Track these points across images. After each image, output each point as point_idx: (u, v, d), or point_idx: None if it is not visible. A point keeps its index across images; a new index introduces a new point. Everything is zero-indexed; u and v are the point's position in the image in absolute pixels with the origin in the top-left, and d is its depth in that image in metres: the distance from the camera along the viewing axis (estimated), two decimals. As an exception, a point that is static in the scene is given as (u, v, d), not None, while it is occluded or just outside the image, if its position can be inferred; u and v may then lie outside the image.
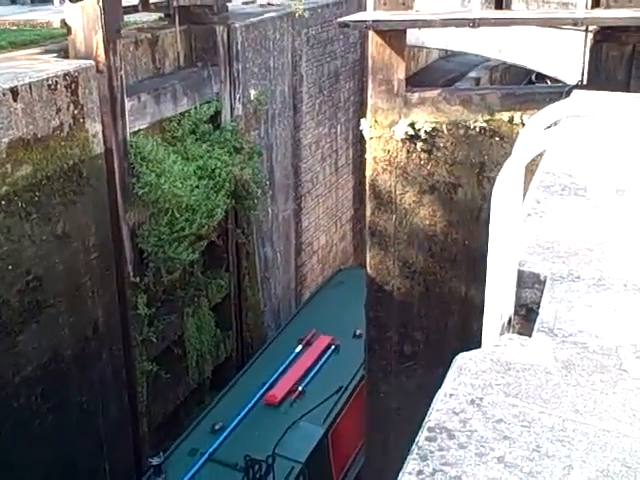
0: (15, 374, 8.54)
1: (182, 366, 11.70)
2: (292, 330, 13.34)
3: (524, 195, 3.77)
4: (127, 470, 10.72)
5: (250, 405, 11.18)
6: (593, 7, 8.36)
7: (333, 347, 12.56)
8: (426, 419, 2.27)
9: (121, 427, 10.46)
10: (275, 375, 11.80)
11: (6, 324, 8.33)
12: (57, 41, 10.46)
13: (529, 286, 3.21)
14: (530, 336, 2.77)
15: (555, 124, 4.78)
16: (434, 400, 2.38)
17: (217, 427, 10.73)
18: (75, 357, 9.38)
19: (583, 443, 2.15)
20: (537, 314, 2.94)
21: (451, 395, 2.38)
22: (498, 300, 3.05)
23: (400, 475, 2.05)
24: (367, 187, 9.40)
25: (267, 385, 11.60)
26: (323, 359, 12.27)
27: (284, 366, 12.05)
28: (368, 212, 9.48)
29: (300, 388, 11.55)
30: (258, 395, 11.40)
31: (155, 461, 9.83)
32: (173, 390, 11.58)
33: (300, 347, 12.63)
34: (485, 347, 2.76)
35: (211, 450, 10.26)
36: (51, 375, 9.02)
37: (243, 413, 11.02)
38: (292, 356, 12.32)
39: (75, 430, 9.53)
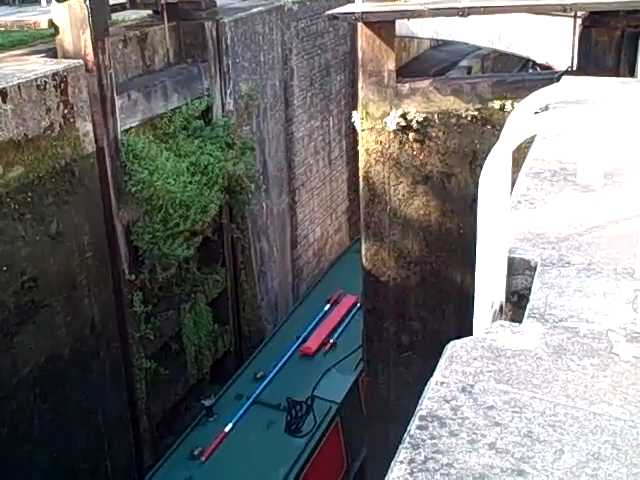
0: (13, 375, 8.54)
1: (180, 362, 11.70)
2: (319, 292, 14.58)
3: (513, 182, 3.77)
4: (128, 468, 10.74)
5: (287, 356, 12.44)
6: (581, -8, 8.34)
7: (359, 305, 13.31)
8: (418, 408, 2.28)
9: (121, 425, 10.47)
10: (308, 329, 13.06)
11: (2, 325, 8.33)
12: (45, 41, 10.43)
13: (520, 272, 3.22)
14: (521, 322, 2.78)
15: (544, 110, 4.78)
16: (425, 388, 2.39)
17: (259, 375, 11.95)
18: (73, 356, 9.38)
19: (574, 427, 2.16)
20: (528, 300, 2.94)
21: (442, 383, 2.38)
22: (489, 287, 3.05)
23: (392, 464, 2.06)
24: (360, 179, 9.40)
25: (301, 338, 12.85)
26: (350, 315, 13.37)
27: (316, 321, 13.32)
28: (362, 204, 9.48)
29: (332, 340, 12.78)
30: (294, 347, 12.66)
31: (207, 403, 11.09)
32: (172, 386, 11.58)
33: (329, 305, 13.82)
34: (476, 334, 2.76)
35: (255, 394, 11.49)
36: (49, 375, 9.02)
37: (282, 363, 12.27)
38: (322, 313, 13.56)
39: (75, 429, 9.54)
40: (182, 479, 9.99)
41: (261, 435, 10.77)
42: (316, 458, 10.70)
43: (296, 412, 11.03)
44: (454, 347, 2.59)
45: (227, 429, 10.74)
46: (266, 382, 11.80)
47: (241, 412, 11.11)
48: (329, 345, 12.70)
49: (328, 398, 11.42)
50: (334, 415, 11.29)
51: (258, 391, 11.58)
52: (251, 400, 11.39)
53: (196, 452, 10.30)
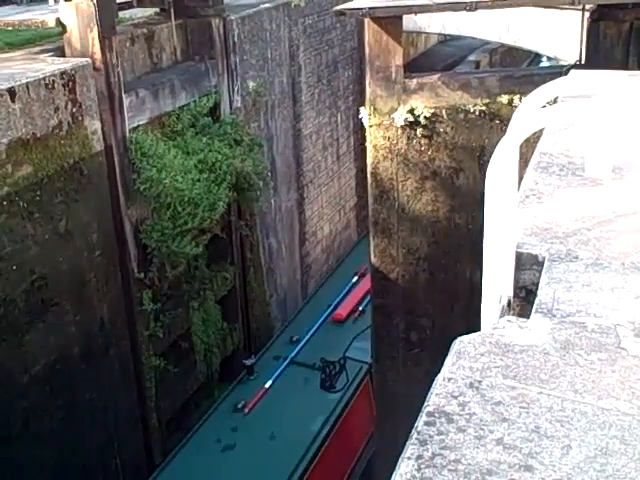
0: (23, 373, 8.57)
1: (190, 360, 11.73)
2: (346, 266, 15.89)
3: (521, 176, 3.75)
4: (138, 465, 10.76)
5: (320, 322, 13.64)
6: (589, -15, 8.31)
7: None
8: (425, 404, 2.27)
9: (131, 423, 10.50)
10: (338, 299, 14.27)
11: (13, 324, 8.35)
12: (53, 40, 10.45)
13: (527, 268, 3.21)
14: (529, 317, 2.76)
15: (552, 103, 4.75)
16: (433, 384, 2.37)
17: (294, 339, 13.19)
18: (83, 354, 9.41)
19: (582, 422, 2.15)
20: (536, 295, 2.93)
21: (450, 379, 2.37)
22: (496, 283, 3.04)
23: (400, 460, 2.05)
24: (368, 175, 9.38)
25: (332, 307, 14.06)
26: None
27: (345, 292, 14.52)
28: (370, 200, 9.46)
29: (360, 308, 13.88)
30: (326, 314, 13.89)
31: (249, 362, 12.24)
32: (181, 384, 11.60)
33: (356, 278, 15.02)
34: (484, 330, 2.75)
35: (292, 355, 12.65)
36: (59, 373, 9.04)
37: (315, 328, 13.47)
38: (350, 284, 14.74)
39: (85, 427, 9.57)
40: (227, 429, 11.02)
41: (298, 391, 11.91)
42: (350, 411, 11.70)
43: (330, 371, 12.10)
44: (462, 343, 2.57)
45: (267, 385, 11.89)
46: (301, 345, 12.96)
47: (279, 371, 12.25)
48: (358, 313, 13.76)
49: (359, 359, 12.29)
50: (365, 374, 12.22)
51: (294, 353, 12.71)
52: (288, 360, 12.52)
53: (239, 405, 11.43)
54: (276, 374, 12.15)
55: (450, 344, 2.62)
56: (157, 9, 11.83)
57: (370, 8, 8.43)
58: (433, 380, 2.43)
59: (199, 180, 10.71)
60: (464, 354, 2.51)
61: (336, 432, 11.25)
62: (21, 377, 8.54)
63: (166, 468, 10.44)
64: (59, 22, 9.57)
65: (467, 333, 2.66)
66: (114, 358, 10.01)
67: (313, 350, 12.76)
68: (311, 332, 13.32)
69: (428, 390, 2.38)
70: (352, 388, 11.98)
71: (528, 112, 3.87)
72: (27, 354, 8.60)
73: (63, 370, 9.10)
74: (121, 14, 10.72)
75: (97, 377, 9.67)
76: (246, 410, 11.36)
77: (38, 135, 8.47)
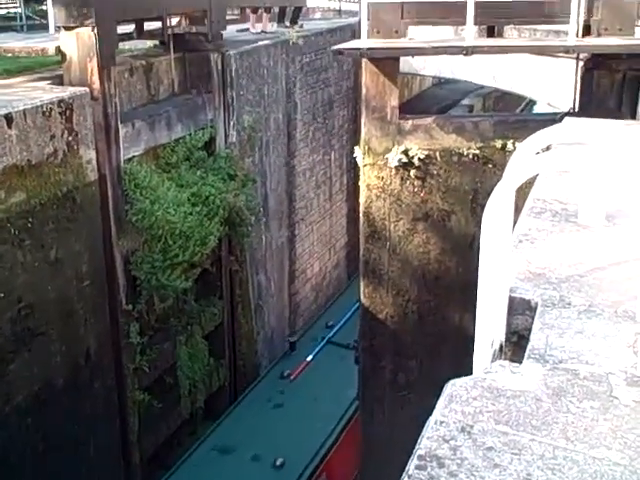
0: (5, 403, 8.43)
1: (174, 396, 11.59)
2: None
3: (515, 221, 3.76)
4: (118, 501, 10.58)
5: (352, 311, 14.73)
6: (584, 35, 8.44)
7: None
8: (416, 447, 2.24)
9: (112, 457, 10.32)
10: None
11: (-3, 352, 8.25)
12: (52, 68, 10.49)
13: (520, 312, 3.20)
14: (521, 363, 2.75)
15: (546, 150, 4.78)
16: (424, 428, 2.35)
17: (330, 324, 15.11)
18: (67, 386, 9.28)
19: (573, 471, 2.12)
20: (528, 341, 2.92)
21: (441, 422, 2.35)
22: (489, 327, 3.03)
23: (389, 504, 2.02)
24: (361, 214, 9.40)
25: None
26: None
27: None
28: (362, 239, 9.47)
29: None
30: (357, 306, 14.43)
31: (292, 339, 14.46)
32: (165, 420, 11.45)
33: None
34: (476, 374, 2.73)
35: (329, 336, 14.57)
36: (42, 404, 8.90)
37: (348, 315, 15.10)
38: None
39: (66, 460, 9.40)
40: (276, 391, 12.88)
41: (336, 365, 13.61)
42: None
43: None
44: (453, 386, 2.55)
45: (308, 359, 13.76)
46: (336, 329, 14.82)
47: (318, 348, 14.14)
48: None
49: None
50: None
51: (330, 335, 14.59)
52: (325, 340, 14.40)
53: (285, 374, 13.35)
54: (316, 351, 13.96)
55: (437, 387, 2.60)
56: (157, 42, 11.92)
57: (368, 49, 8.53)
58: (420, 423, 2.40)
59: (191, 213, 10.70)
60: (456, 397, 2.49)
61: None
62: (3, 407, 8.40)
63: (224, 421, 11.98)
64: (59, 50, 9.62)
65: (455, 376, 2.64)
66: (98, 391, 9.87)
67: (346, 334, 14.28)
68: (344, 319, 15.01)
69: (415, 433, 2.35)
70: None
71: (523, 158, 3.89)
72: (10, 384, 8.47)
73: (46, 401, 8.96)
74: (121, 45, 10.79)
75: (80, 409, 9.52)
76: (291, 377, 13.16)
77: (33, 162, 8.46)
